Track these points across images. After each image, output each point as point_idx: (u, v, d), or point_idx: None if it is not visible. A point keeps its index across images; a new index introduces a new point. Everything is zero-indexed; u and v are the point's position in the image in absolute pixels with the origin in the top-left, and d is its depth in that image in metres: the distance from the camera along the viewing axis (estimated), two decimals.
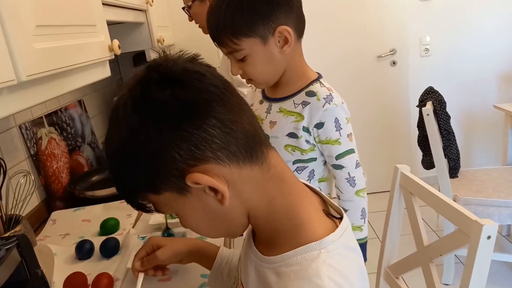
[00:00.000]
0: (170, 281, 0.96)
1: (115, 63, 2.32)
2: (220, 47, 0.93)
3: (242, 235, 0.63)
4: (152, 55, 1.85)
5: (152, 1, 1.76)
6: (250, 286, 0.57)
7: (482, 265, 0.95)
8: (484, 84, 3.07)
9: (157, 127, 0.47)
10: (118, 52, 1.21)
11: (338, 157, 0.95)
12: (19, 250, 0.82)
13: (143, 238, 1.13)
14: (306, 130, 0.94)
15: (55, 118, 1.57)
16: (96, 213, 1.35)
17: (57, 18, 0.90)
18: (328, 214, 0.57)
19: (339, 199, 0.99)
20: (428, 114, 1.99)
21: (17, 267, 0.81)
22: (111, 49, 1.19)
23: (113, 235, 1.15)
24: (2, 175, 0.98)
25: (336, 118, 0.93)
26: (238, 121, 0.50)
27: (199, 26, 1.72)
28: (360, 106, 3.08)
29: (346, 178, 0.96)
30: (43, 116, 1.50)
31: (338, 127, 0.93)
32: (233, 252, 0.84)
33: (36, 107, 1.46)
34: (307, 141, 0.95)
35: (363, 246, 1.02)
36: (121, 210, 1.32)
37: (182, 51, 0.53)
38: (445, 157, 2.09)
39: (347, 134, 0.96)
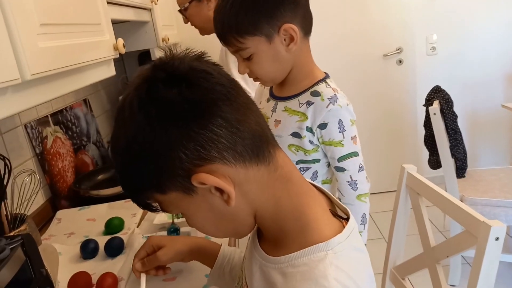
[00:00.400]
0: (174, 280, 0.95)
1: (120, 62, 2.32)
2: (226, 46, 0.93)
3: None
4: (157, 54, 1.85)
5: (157, 0, 1.76)
6: (254, 286, 0.56)
7: (489, 267, 0.94)
8: (492, 83, 3.05)
9: (163, 126, 0.47)
10: (123, 51, 1.21)
11: (340, 159, 0.94)
12: (23, 249, 0.82)
13: (147, 237, 1.13)
14: (310, 130, 0.93)
15: (60, 117, 1.57)
16: (101, 212, 1.35)
17: (61, 16, 0.90)
18: (335, 215, 0.57)
19: (340, 202, 0.98)
20: (434, 113, 1.97)
21: (21, 266, 0.81)
22: (115, 48, 1.19)
23: (117, 235, 1.15)
24: (7, 174, 0.98)
25: (340, 119, 0.92)
26: (245, 121, 0.50)
27: (196, 27, 1.71)
28: (366, 104, 3.07)
29: (347, 181, 0.94)
30: (49, 115, 1.50)
31: (342, 129, 0.92)
32: (235, 250, 0.83)
33: (41, 106, 1.46)
34: (311, 142, 0.95)
35: None
36: (126, 209, 1.32)
37: (188, 49, 0.52)
38: (452, 157, 2.07)
39: (351, 137, 0.94)
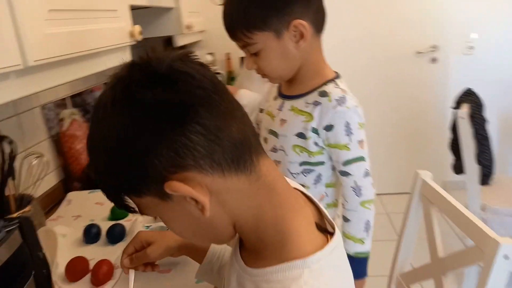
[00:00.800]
0: (169, 272, 0.96)
1: (144, 47, 2.33)
2: (234, 41, 0.90)
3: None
4: (179, 41, 1.84)
5: None
6: None
7: (496, 286, 0.89)
8: None
9: (136, 130, 0.45)
10: (140, 38, 1.20)
11: (346, 163, 0.91)
12: (21, 232, 0.84)
13: (147, 227, 1.14)
14: (315, 131, 0.90)
15: (79, 100, 1.60)
16: None
17: (73, 2, 0.90)
18: (321, 229, 0.54)
19: (343, 207, 0.94)
20: (462, 117, 1.89)
21: (17, 249, 0.83)
22: (132, 35, 1.19)
23: (121, 221, 1.16)
24: (12, 155, 1.01)
25: (347, 121, 0.88)
26: (226, 128, 0.47)
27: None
28: (393, 102, 2.99)
29: (352, 187, 0.91)
30: (68, 97, 1.53)
31: (349, 132, 0.88)
32: (225, 248, 0.82)
33: (60, 88, 1.48)
34: (316, 143, 0.91)
35: (363, 261, 0.97)
36: None
37: (174, 49, 0.50)
38: (478, 163, 1.98)
39: (358, 140, 0.90)
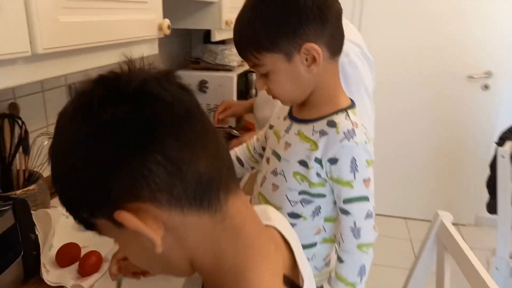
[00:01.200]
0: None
1: (187, 36, 2.33)
2: (243, 60, 0.86)
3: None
4: (217, 36, 1.82)
5: None
6: None
7: None
8: None
9: (91, 150, 0.42)
10: (167, 32, 1.19)
11: (346, 201, 0.84)
12: (14, 213, 0.85)
13: None
14: (319, 162, 0.83)
15: None
16: None
17: None
18: (290, 282, 0.49)
19: (339, 246, 0.88)
20: (503, 156, 1.76)
21: (9, 229, 0.84)
22: (160, 28, 1.17)
23: None
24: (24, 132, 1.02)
25: (353, 157, 0.81)
26: (192, 161, 0.43)
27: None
28: (437, 123, 2.84)
29: (350, 227, 0.84)
30: None
31: (354, 169, 0.81)
32: None
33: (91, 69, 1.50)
34: (318, 174, 0.85)
35: None
36: None
37: (151, 64, 0.47)
38: None
39: (364, 179, 0.83)
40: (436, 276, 1.12)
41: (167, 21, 1.18)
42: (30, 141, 1.09)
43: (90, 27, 0.88)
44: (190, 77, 2.01)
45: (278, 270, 0.49)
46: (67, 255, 0.97)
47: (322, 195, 0.87)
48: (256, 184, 0.98)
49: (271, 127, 0.98)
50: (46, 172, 1.13)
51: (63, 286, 0.89)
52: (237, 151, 1.13)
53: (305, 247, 0.91)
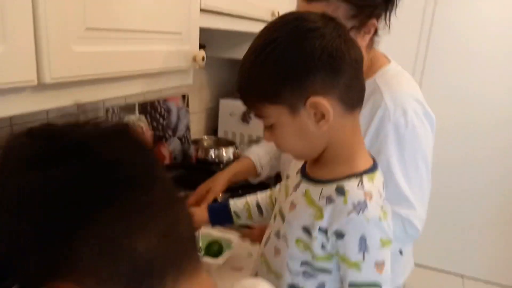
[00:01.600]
0: None
1: (237, 65, 2.29)
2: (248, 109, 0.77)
3: None
4: None
5: (279, 14, 1.66)
6: None
7: None
8: None
9: (13, 214, 0.36)
10: (201, 64, 1.14)
11: (352, 285, 0.69)
12: None
13: None
14: (324, 232, 0.70)
15: (149, 107, 1.60)
16: None
17: (124, 22, 0.86)
18: None
19: None
20: None
21: None
22: (194, 59, 1.13)
23: None
24: None
25: (363, 235, 0.67)
26: (133, 240, 0.36)
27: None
28: (508, 177, 2.55)
29: None
30: (137, 103, 1.54)
31: (363, 248, 0.66)
32: None
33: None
34: (323, 246, 0.71)
35: None
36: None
37: (99, 118, 0.41)
38: None
39: (376, 262, 0.68)
40: None
41: (202, 53, 1.14)
42: None
43: (109, 57, 0.85)
44: (233, 106, 1.97)
45: None
46: None
47: (327, 271, 0.73)
48: (262, 242, 0.87)
49: (287, 177, 0.86)
50: None
51: None
52: (259, 198, 1.03)
53: None
